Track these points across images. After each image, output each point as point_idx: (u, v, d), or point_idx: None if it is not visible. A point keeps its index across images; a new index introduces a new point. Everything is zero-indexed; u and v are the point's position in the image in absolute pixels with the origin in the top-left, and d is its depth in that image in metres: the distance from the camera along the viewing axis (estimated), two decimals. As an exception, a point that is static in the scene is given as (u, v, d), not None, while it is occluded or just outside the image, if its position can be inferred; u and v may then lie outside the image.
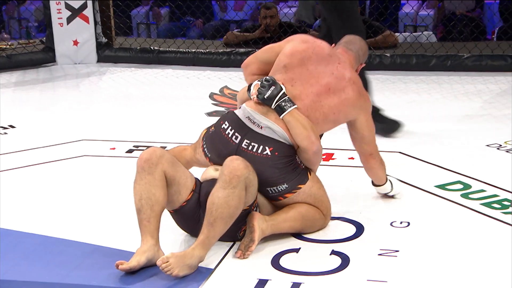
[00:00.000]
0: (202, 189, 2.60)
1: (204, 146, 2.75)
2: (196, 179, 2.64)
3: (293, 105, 2.63)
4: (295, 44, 2.79)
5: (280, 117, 2.63)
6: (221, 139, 2.67)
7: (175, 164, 2.57)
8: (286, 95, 2.64)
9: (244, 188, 2.46)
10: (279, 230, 2.64)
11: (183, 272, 2.38)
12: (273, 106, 2.63)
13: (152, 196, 2.49)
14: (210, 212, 2.44)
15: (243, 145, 2.62)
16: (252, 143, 2.62)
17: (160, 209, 2.52)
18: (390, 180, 3.01)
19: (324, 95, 2.70)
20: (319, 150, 2.68)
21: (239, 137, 2.63)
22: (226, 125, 2.68)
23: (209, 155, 2.72)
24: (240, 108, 2.74)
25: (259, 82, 2.69)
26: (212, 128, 2.76)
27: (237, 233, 2.60)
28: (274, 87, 2.64)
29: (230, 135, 2.65)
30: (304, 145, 2.64)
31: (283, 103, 2.62)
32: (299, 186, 2.66)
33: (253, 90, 2.70)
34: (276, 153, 2.61)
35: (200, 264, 2.44)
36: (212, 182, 2.55)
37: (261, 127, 2.63)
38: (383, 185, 3.01)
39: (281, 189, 2.64)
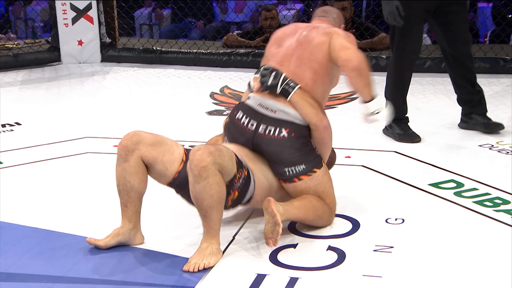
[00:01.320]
0: None
1: (225, 136, 2.80)
2: (185, 148, 2.64)
3: (297, 85, 2.66)
4: (274, 35, 2.88)
5: (287, 99, 2.66)
6: (238, 128, 2.72)
7: (156, 144, 2.57)
8: (288, 78, 2.67)
9: (218, 173, 2.42)
10: (292, 216, 2.62)
11: (209, 260, 2.40)
12: (278, 91, 2.66)
13: (127, 182, 2.54)
14: (198, 207, 2.46)
15: (259, 130, 2.66)
16: (269, 127, 2.65)
17: (136, 194, 2.56)
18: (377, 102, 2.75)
19: (300, 50, 2.71)
20: (328, 125, 2.71)
21: (255, 124, 2.68)
22: (240, 114, 2.72)
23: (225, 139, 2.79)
24: (249, 98, 2.76)
25: (257, 75, 2.71)
26: (228, 118, 2.80)
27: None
28: (274, 72, 2.67)
29: (245, 124, 2.69)
30: (314, 122, 2.67)
31: (286, 86, 2.66)
32: (315, 169, 2.67)
33: (254, 83, 2.72)
34: (293, 134, 2.65)
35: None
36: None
37: (275, 111, 2.67)
38: (368, 102, 2.72)
39: (298, 169, 2.65)
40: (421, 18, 3.71)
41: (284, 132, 2.64)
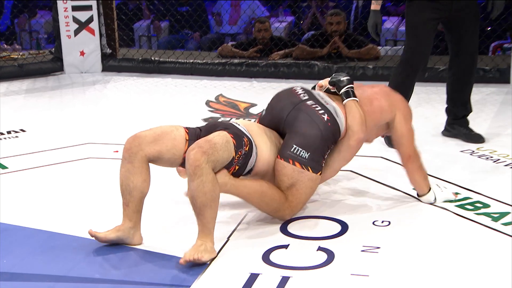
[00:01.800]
0: (203, 130, 2.68)
1: (265, 109, 2.89)
2: (185, 128, 2.66)
3: (356, 98, 2.80)
4: None
5: (345, 101, 2.78)
6: (289, 93, 2.84)
7: (156, 139, 2.58)
8: (353, 87, 2.82)
9: (211, 171, 2.43)
10: (238, 192, 2.62)
11: (202, 255, 2.39)
12: (343, 90, 2.79)
13: (130, 183, 2.54)
14: (193, 204, 2.45)
15: (307, 102, 2.75)
16: (317, 105, 2.74)
17: (138, 194, 2.55)
18: (434, 191, 2.95)
19: (365, 91, 2.92)
20: (362, 140, 2.77)
21: (307, 97, 2.79)
22: (298, 88, 2.85)
23: (263, 113, 2.87)
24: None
25: (329, 78, 2.90)
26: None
27: None
28: (347, 76, 2.85)
29: (299, 93, 2.81)
30: (355, 129, 2.73)
31: (351, 91, 2.80)
32: (309, 168, 2.67)
33: (323, 82, 2.91)
34: (329, 124, 2.71)
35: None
36: (213, 122, 2.69)
37: (327, 103, 2.78)
38: (425, 195, 2.95)
39: (301, 154, 2.66)
40: (428, 25, 3.65)
41: (326, 116, 2.71)
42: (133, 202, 2.55)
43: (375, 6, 3.68)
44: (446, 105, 3.98)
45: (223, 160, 2.51)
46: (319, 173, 2.71)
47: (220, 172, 2.54)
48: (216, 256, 2.47)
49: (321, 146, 2.68)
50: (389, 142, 3.76)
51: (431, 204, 2.95)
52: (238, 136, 2.59)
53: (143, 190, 2.57)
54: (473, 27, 3.75)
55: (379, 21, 3.68)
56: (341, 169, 2.94)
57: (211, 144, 2.46)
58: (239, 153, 2.58)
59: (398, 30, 7.37)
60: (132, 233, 2.57)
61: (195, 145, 2.47)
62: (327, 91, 2.91)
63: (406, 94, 3.71)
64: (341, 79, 2.84)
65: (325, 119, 2.70)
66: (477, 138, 3.89)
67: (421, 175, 2.93)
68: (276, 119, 2.79)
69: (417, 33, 3.67)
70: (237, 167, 2.61)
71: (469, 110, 3.96)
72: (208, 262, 2.43)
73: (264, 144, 2.69)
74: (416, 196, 3.01)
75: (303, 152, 2.66)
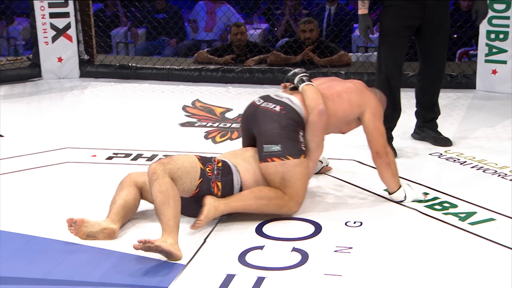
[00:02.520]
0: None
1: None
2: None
3: (310, 81, 2.87)
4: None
5: (300, 87, 2.86)
6: (249, 107, 2.94)
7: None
8: (308, 76, 2.90)
9: (167, 176, 2.53)
10: (233, 208, 2.69)
11: (160, 243, 2.41)
12: (296, 80, 2.88)
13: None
14: (154, 208, 2.54)
15: (261, 105, 2.84)
16: (269, 103, 2.84)
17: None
18: (404, 189, 2.98)
19: (336, 85, 3.00)
20: (323, 111, 2.79)
21: (262, 101, 2.88)
22: (257, 98, 2.93)
23: (240, 128, 3.05)
24: None
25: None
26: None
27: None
28: (297, 70, 2.96)
29: (256, 102, 2.90)
30: (312, 105, 2.78)
31: (304, 78, 2.87)
32: (288, 157, 2.70)
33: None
34: (284, 111, 2.77)
35: (173, 262, 2.44)
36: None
37: (282, 98, 2.87)
38: (394, 192, 2.98)
39: (273, 149, 2.71)
40: (401, 32, 3.68)
41: (278, 108, 2.79)
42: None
43: (362, 10, 3.69)
44: (415, 109, 4.02)
45: (184, 168, 2.58)
46: (302, 156, 2.73)
47: (208, 198, 2.62)
48: (178, 251, 2.46)
49: (286, 133, 2.73)
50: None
51: (400, 203, 2.98)
52: (203, 157, 2.73)
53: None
54: (444, 35, 3.76)
55: (370, 24, 3.68)
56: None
57: (168, 157, 2.62)
58: (209, 166, 2.66)
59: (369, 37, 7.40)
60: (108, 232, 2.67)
61: (154, 162, 2.61)
62: (291, 89, 2.98)
63: (393, 100, 3.73)
64: (292, 72, 2.94)
65: (277, 110, 2.78)
66: (445, 142, 3.93)
67: (389, 172, 2.95)
68: (249, 134, 2.90)
69: (390, 41, 3.69)
70: (219, 184, 2.66)
71: (437, 113, 4.00)
72: (184, 263, 2.43)
73: (241, 160, 2.78)
74: (387, 196, 3.04)
75: (273, 146, 2.71)
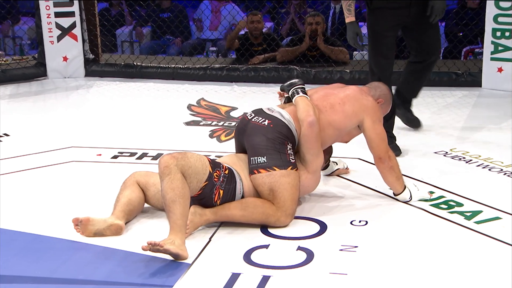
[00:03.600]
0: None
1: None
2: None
3: (305, 93, 2.86)
4: None
5: (293, 99, 2.85)
6: (241, 121, 2.93)
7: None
8: (303, 87, 2.88)
9: (179, 172, 2.51)
10: (219, 216, 2.68)
11: (169, 247, 2.38)
12: (290, 92, 2.87)
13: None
14: (164, 203, 2.51)
15: (252, 119, 2.82)
16: (259, 117, 2.84)
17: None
18: (409, 189, 2.97)
19: (331, 95, 2.96)
20: (313, 122, 2.77)
21: (253, 115, 2.87)
22: (249, 112, 2.90)
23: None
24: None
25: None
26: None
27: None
28: (295, 80, 2.95)
29: (248, 116, 2.89)
30: (302, 117, 2.78)
31: (299, 89, 2.87)
32: (274, 167, 2.69)
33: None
34: (271, 125, 2.77)
35: (179, 261, 2.43)
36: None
37: (273, 111, 2.86)
38: (399, 194, 2.98)
39: (259, 161, 2.71)
40: (390, 31, 3.68)
41: (266, 122, 2.79)
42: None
43: (350, 18, 3.64)
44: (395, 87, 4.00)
45: (195, 168, 2.56)
46: (289, 167, 2.72)
47: (192, 206, 2.60)
48: (185, 251, 2.45)
49: (272, 145, 2.73)
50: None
51: (406, 202, 2.97)
52: (213, 160, 2.72)
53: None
54: (433, 28, 3.72)
55: (359, 31, 3.65)
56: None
57: (182, 153, 2.58)
58: (217, 171, 2.65)
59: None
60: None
61: (166, 154, 2.58)
62: (287, 100, 2.97)
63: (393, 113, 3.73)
64: (288, 83, 2.93)
65: (266, 124, 2.78)
66: (416, 123, 4.08)
67: (393, 175, 2.94)
68: (241, 147, 2.91)
69: (379, 40, 3.69)
70: (221, 192, 2.65)
71: (416, 96, 4.07)
72: (190, 262, 2.43)
73: (246, 169, 2.77)
74: (393, 196, 3.03)
75: (259, 158, 2.71)
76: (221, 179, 2.65)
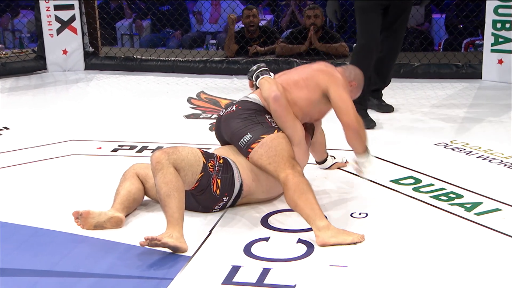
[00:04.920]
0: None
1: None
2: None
3: (268, 75, 2.87)
4: None
5: (256, 82, 2.86)
6: (217, 119, 2.95)
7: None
8: (266, 70, 2.89)
9: (171, 166, 2.52)
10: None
11: (167, 240, 2.38)
12: (253, 77, 2.89)
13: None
14: (159, 198, 2.51)
15: (223, 114, 2.87)
16: (228, 108, 2.87)
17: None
18: (369, 154, 2.93)
19: (295, 73, 2.97)
20: (277, 97, 2.78)
21: (224, 110, 2.90)
22: (222, 110, 2.96)
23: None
24: None
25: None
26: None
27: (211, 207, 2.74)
28: (256, 66, 2.93)
29: (220, 113, 2.93)
30: (266, 95, 2.81)
31: (260, 74, 2.87)
32: (262, 136, 2.72)
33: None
34: (240, 107, 2.82)
35: (179, 253, 2.44)
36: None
37: (241, 99, 2.91)
38: (360, 154, 2.91)
39: (246, 139, 2.74)
40: (376, 9, 4.03)
41: (234, 107, 2.84)
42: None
43: None
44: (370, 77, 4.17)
45: (188, 160, 2.57)
46: (275, 130, 2.75)
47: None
48: (184, 245, 2.45)
49: (250, 121, 2.76)
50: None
51: (361, 168, 2.95)
52: (206, 151, 2.73)
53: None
54: (407, 14, 4.19)
55: (337, 8, 4.12)
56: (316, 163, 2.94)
57: (173, 147, 2.60)
58: (211, 161, 2.66)
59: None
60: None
61: (157, 150, 2.60)
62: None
63: (365, 81, 3.88)
64: (250, 69, 2.94)
65: (234, 109, 2.83)
66: (387, 108, 4.38)
67: (358, 140, 2.88)
68: (225, 144, 2.92)
69: (367, 17, 4.00)
70: (219, 181, 2.66)
71: (386, 83, 4.42)
72: (190, 255, 2.43)
73: (239, 156, 2.78)
74: (352, 159, 3.00)
75: (245, 137, 2.74)
76: (216, 169, 2.66)
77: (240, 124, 2.76)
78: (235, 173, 2.73)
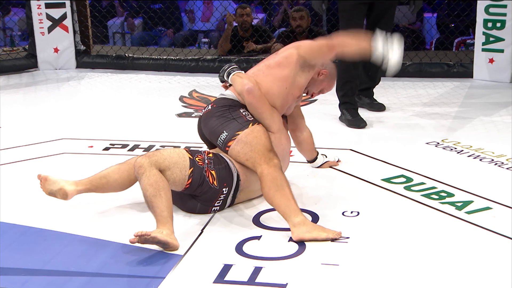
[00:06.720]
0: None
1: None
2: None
3: (239, 70, 2.90)
4: None
5: (228, 79, 2.89)
6: (198, 121, 2.96)
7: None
8: (236, 67, 2.92)
9: (154, 168, 2.54)
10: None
11: (157, 235, 2.39)
12: (225, 76, 2.91)
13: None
14: (145, 201, 2.53)
15: (202, 114, 2.89)
16: (206, 108, 2.89)
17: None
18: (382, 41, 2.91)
19: (265, 61, 2.97)
20: (251, 89, 2.80)
21: (203, 110, 2.91)
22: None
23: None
24: None
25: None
26: None
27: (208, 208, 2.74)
28: (226, 65, 2.95)
29: (200, 114, 2.94)
30: (239, 89, 2.84)
31: (231, 71, 2.90)
32: (237, 132, 2.74)
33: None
34: (215, 105, 2.85)
35: (170, 252, 2.43)
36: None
37: (216, 97, 2.93)
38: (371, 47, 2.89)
39: (223, 138, 2.76)
40: (358, 8, 4.04)
41: (209, 106, 2.86)
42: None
43: None
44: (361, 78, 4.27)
45: (171, 158, 2.59)
46: (250, 124, 2.75)
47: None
48: (174, 241, 2.45)
49: (225, 118, 2.78)
50: (346, 121, 4.10)
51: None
52: (192, 149, 2.77)
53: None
54: (391, 13, 4.19)
55: (324, 0, 4.19)
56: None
57: (154, 151, 2.64)
58: (199, 156, 2.67)
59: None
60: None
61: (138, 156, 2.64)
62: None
63: (354, 79, 4.11)
64: (222, 69, 2.95)
65: (210, 108, 2.85)
66: (379, 107, 4.41)
67: (356, 42, 2.93)
68: (209, 143, 2.95)
69: (350, 16, 4.02)
70: (213, 172, 2.67)
71: (376, 82, 4.40)
72: (182, 254, 2.43)
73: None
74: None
75: (221, 136, 2.76)
76: (206, 161, 2.67)
77: (216, 122, 2.79)
78: (230, 164, 2.73)
